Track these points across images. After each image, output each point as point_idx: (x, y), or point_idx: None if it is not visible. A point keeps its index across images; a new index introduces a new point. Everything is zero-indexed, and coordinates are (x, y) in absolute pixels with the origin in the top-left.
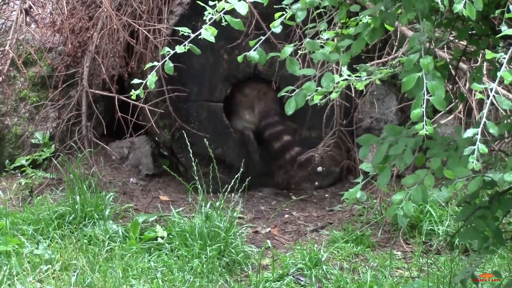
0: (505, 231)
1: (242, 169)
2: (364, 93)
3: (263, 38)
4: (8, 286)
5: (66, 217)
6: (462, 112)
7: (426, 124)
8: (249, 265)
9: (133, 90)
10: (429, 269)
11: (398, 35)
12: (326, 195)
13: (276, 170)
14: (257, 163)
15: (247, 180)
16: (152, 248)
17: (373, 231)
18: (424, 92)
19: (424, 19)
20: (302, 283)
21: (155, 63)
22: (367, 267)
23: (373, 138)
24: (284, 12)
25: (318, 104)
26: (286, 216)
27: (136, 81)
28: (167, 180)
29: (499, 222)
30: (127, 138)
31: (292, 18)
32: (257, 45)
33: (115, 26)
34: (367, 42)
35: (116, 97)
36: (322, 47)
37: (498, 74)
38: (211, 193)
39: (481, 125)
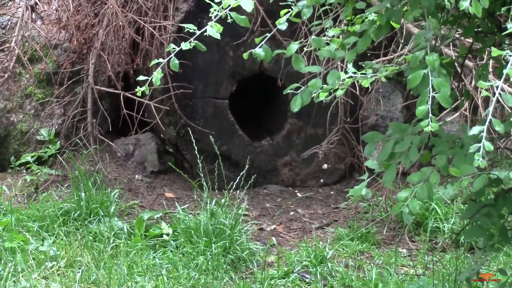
0: (511, 229)
1: (247, 166)
2: (369, 90)
3: (268, 35)
4: (13, 282)
5: (71, 213)
6: (467, 110)
7: (431, 121)
8: (254, 262)
9: (138, 87)
10: (434, 266)
11: (404, 33)
12: (331, 193)
13: (281, 167)
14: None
15: (253, 177)
16: (157, 245)
17: (378, 228)
18: (429, 89)
19: (430, 17)
20: (307, 280)
21: (161, 60)
22: (372, 265)
23: (379, 135)
24: (290, 9)
25: (324, 101)
26: (291, 213)
27: (141, 78)
28: (172, 177)
29: (505, 220)
30: (132, 135)
31: (298, 15)
32: (263, 42)
33: (120, 23)
34: (373, 39)
35: (122, 94)
36: (327, 44)
37: (504, 71)
38: (216, 190)
39: (487, 123)
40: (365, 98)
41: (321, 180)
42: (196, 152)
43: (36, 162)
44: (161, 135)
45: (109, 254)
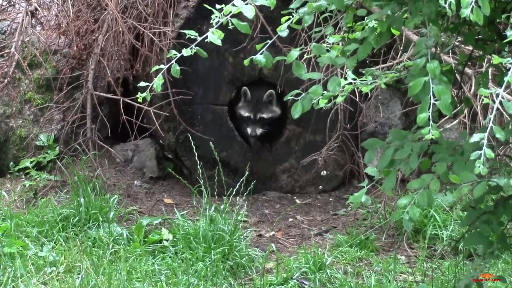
0: (510, 236)
1: (246, 173)
2: (368, 97)
3: (270, 42)
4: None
5: (70, 219)
6: (466, 117)
7: (432, 129)
8: (253, 268)
9: (139, 93)
10: (433, 273)
11: (403, 40)
12: (330, 199)
13: (280, 173)
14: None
15: (252, 183)
16: (156, 251)
17: (377, 235)
18: (430, 97)
19: (430, 24)
20: (306, 287)
21: (162, 66)
22: (371, 271)
23: (379, 142)
24: (290, 16)
25: (324, 108)
26: (290, 219)
27: (142, 84)
28: (171, 183)
29: (504, 227)
30: (131, 140)
31: (299, 22)
32: (264, 48)
33: (120, 29)
34: (373, 46)
35: (121, 99)
36: (328, 51)
37: (505, 79)
38: (216, 196)
39: (488, 130)
40: (364, 105)
41: (320, 187)
42: (195, 158)
43: (35, 168)
44: (160, 141)
45: (108, 260)
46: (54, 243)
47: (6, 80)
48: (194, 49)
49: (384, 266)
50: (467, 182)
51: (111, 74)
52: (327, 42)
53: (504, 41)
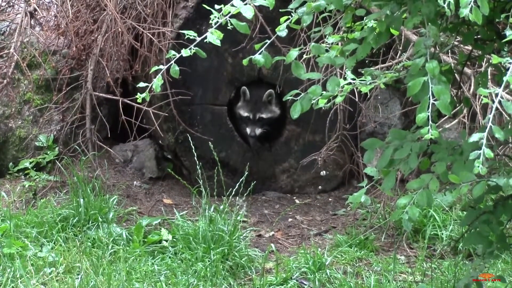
0: (509, 236)
1: (246, 173)
2: (368, 97)
3: (268, 41)
4: None
5: (69, 219)
6: (466, 117)
7: (431, 129)
8: (252, 268)
9: (138, 93)
10: (432, 273)
11: (402, 40)
12: (330, 199)
13: (279, 174)
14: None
15: (251, 183)
16: (156, 251)
17: (376, 235)
18: (429, 97)
19: (430, 24)
20: (305, 287)
21: (161, 66)
22: (371, 271)
23: (378, 142)
24: (289, 16)
25: (323, 108)
26: (290, 220)
27: (142, 84)
28: (171, 183)
29: (504, 226)
30: (131, 141)
31: (298, 22)
32: (263, 48)
33: (119, 29)
34: (373, 46)
35: (120, 100)
36: (327, 51)
37: (504, 78)
38: (215, 197)
39: (487, 130)
40: (364, 105)
41: (319, 187)
42: (195, 158)
43: (34, 168)
44: (160, 142)
45: (107, 260)
46: (54, 243)
47: (5, 81)
48: (193, 49)
49: (384, 266)
50: (466, 182)
51: (110, 74)
52: (326, 42)
53: (503, 40)
